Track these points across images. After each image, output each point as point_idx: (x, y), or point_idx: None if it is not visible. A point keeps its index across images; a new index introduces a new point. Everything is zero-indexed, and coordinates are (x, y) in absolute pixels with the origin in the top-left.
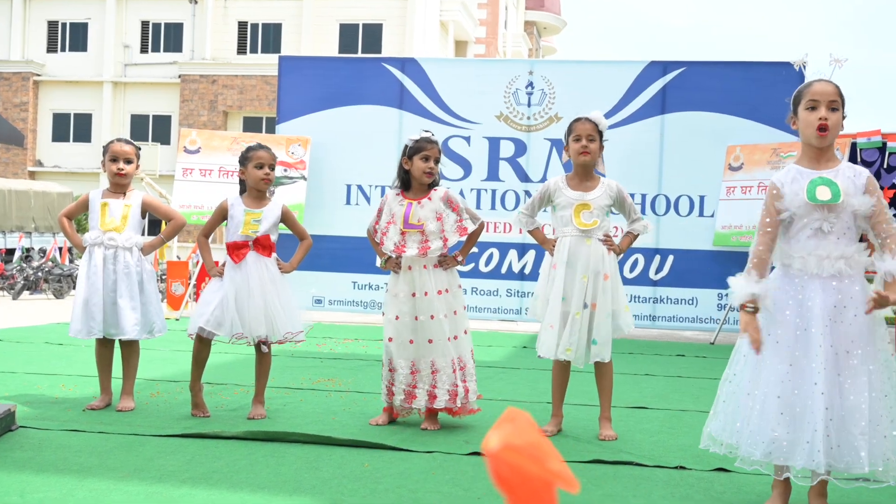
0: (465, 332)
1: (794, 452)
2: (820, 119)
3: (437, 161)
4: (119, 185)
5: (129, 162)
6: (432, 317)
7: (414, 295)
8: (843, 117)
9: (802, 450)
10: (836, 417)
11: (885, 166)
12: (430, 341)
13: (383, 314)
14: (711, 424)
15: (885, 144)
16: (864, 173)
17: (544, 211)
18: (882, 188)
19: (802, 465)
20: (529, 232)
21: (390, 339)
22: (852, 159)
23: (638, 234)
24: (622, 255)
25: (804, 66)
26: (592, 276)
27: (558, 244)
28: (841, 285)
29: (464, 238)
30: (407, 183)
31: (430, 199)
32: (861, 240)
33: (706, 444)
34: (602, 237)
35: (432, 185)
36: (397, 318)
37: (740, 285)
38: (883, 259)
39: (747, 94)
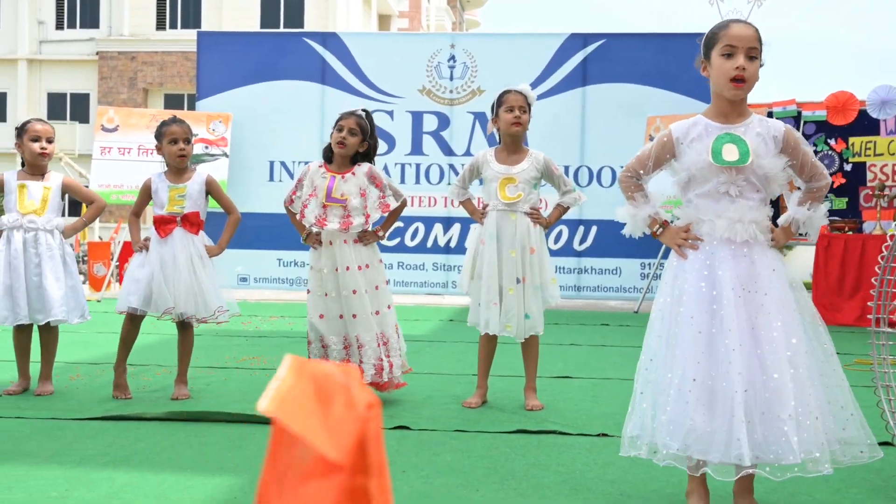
0: (389, 308)
1: (712, 444)
2: (737, 68)
3: (352, 132)
4: (38, 167)
5: (50, 141)
6: (354, 292)
7: (337, 270)
8: (761, 65)
9: (721, 441)
10: (760, 400)
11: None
12: (354, 316)
13: (308, 291)
14: (629, 425)
15: (800, 113)
16: (780, 128)
17: (480, 184)
18: None
19: (720, 459)
20: (461, 203)
21: (321, 316)
22: None
23: (569, 207)
24: (549, 228)
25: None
26: (520, 251)
27: (486, 218)
28: (752, 253)
29: (385, 214)
30: (331, 157)
31: (353, 173)
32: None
33: (627, 450)
34: (528, 210)
35: (356, 159)
36: (326, 294)
37: (631, 212)
38: (789, 202)
39: (665, 65)
